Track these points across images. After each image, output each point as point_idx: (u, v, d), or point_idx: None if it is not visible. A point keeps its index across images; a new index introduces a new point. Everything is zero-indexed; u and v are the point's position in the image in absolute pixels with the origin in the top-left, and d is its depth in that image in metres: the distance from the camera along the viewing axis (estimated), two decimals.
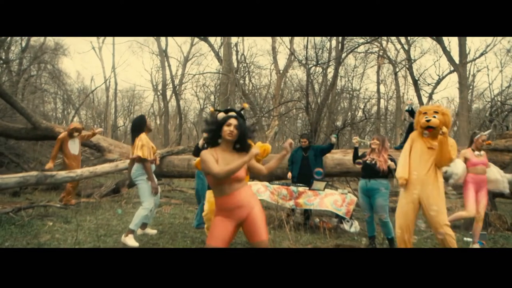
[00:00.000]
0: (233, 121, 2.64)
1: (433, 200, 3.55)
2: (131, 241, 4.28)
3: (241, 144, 2.68)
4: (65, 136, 6.94)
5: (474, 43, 45.96)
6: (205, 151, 2.62)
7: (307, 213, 6.32)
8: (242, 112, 3.36)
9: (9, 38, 16.04)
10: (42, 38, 19.13)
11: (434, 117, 3.58)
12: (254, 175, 4.37)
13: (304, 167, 6.22)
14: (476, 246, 4.85)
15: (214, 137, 2.67)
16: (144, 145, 4.44)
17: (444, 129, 3.47)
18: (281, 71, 20.61)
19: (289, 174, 6.26)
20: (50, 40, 19.89)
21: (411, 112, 6.87)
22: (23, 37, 16.94)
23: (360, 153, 5.07)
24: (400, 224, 3.72)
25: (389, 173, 4.73)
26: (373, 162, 4.73)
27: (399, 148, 6.88)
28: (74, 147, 6.95)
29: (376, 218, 4.85)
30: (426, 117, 3.62)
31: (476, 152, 4.97)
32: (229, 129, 2.61)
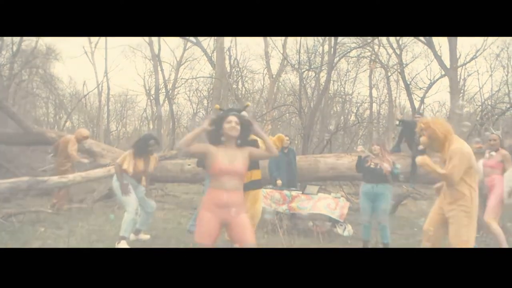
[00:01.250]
0: (232, 118, 2.65)
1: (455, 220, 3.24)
2: (124, 247, 4.25)
3: (242, 140, 2.69)
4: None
5: (465, 47, 46.35)
6: (204, 144, 2.68)
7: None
8: (245, 110, 3.35)
9: None
10: (33, 42, 18.95)
11: (424, 134, 3.36)
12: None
13: (288, 170, 6.32)
14: None
15: (214, 136, 2.68)
16: (130, 165, 4.46)
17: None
18: (274, 76, 20.69)
19: (279, 182, 6.08)
20: (42, 45, 19.69)
21: (404, 126, 7.16)
22: (14, 42, 16.80)
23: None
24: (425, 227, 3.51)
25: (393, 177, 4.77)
26: (378, 166, 4.77)
27: (392, 151, 6.94)
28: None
29: (374, 222, 4.88)
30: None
31: None
32: (230, 125, 2.63)
